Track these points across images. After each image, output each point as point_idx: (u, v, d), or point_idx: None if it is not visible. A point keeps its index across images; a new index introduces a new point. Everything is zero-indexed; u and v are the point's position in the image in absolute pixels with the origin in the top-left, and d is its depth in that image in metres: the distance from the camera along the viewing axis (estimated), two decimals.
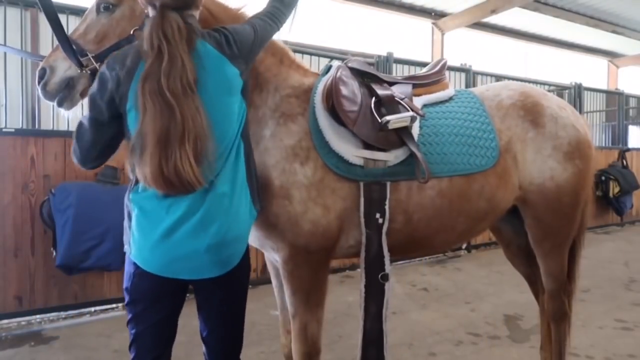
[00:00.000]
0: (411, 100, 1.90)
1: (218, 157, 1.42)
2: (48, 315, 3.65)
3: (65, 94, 1.66)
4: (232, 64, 1.47)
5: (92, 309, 3.80)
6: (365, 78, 1.94)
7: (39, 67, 1.64)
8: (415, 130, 1.86)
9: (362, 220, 1.78)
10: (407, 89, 1.96)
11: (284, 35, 1.86)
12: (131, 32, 1.63)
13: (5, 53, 3.90)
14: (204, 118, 1.35)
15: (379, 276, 1.83)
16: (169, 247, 1.43)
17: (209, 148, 1.37)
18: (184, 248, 1.42)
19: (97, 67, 1.61)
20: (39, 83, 1.63)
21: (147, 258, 1.44)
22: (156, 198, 1.41)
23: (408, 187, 1.84)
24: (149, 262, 1.44)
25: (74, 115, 1.76)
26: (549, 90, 7.39)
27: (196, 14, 1.51)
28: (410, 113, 1.80)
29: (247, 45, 1.56)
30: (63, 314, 3.70)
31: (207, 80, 1.41)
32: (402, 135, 1.80)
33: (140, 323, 1.50)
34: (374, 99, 1.84)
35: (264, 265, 4.29)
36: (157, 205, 1.41)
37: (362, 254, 1.82)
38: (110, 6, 1.66)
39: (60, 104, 1.68)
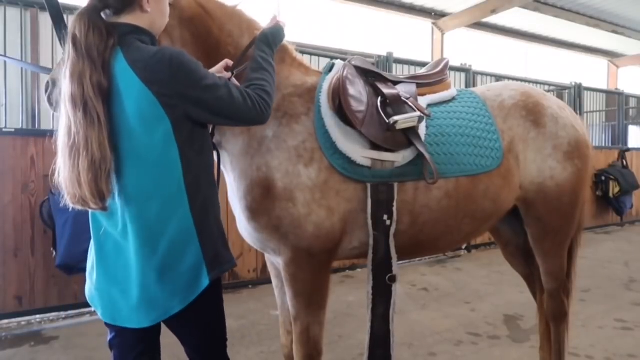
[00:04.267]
0: (416, 99, 1.88)
1: (125, 188, 1.30)
2: (48, 315, 3.65)
3: None
4: (149, 89, 1.27)
5: (92, 309, 3.79)
6: (370, 77, 1.91)
7: (46, 81, 1.64)
8: (422, 131, 1.84)
9: (370, 222, 1.76)
10: (412, 88, 1.94)
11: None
12: None
13: (5, 53, 3.89)
14: (102, 137, 1.23)
15: (387, 278, 1.82)
16: (90, 287, 1.47)
17: (107, 169, 1.25)
18: (98, 291, 1.43)
19: None
20: (45, 94, 1.63)
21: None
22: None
23: (414, 187, 1.83)
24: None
25: None
26: (548, 91, 7.41)
27: (135, 20, 1.37)
28: (418, 113, 1.77)
29: (181, 84, 1.29)
30: (63, 314, 3.70)
31: (121, 97, 1.28)
32: (409, 136, 1.77)
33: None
34: (380, 98, 1.82)
35: (264, 265, 4.29)
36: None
37: (370, 256, 1.81)
38: None
39: None
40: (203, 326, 1.47)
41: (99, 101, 1.24)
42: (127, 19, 1.36)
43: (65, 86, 1.26)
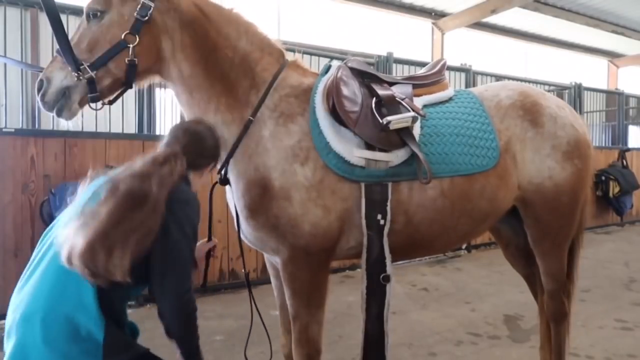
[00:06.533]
0: (412, 100, 1.89)
1: None
2: None
3: (62, 104, 1.66)
4: None
5: None
6: (365, 78, 1.92)
7: (38, 79, 1.65)
8: (416, 131, 1.84)
9: (364, 221, 1.77)
10: (408, 89, 1.94)
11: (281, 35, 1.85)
12: (122, 37, 1.63)
13: (5, 53, 3.90)
14: None
15: (380, 277, 1.82)
16: None
17: None
18: None
19: (93, 75, 1.62)
20: (38, 94, 1.64)
21: None
22: None
23: (409, 187, 1.83)
24: None
25: (74, 124, 1.78)
26: (548, 91, 7.40)
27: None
28: (412, 113, 1.78)
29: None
30: None
31: None
32: (403, 136, 1.78)
33: None
34: (374, 99, 1.82)
35: (264, 265, 4.27)
36: None
37: (364, 256, 1.81)
38: (99, 13, 1.66)
39: (59, 114, 1.68)
40: None
41: None
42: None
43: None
